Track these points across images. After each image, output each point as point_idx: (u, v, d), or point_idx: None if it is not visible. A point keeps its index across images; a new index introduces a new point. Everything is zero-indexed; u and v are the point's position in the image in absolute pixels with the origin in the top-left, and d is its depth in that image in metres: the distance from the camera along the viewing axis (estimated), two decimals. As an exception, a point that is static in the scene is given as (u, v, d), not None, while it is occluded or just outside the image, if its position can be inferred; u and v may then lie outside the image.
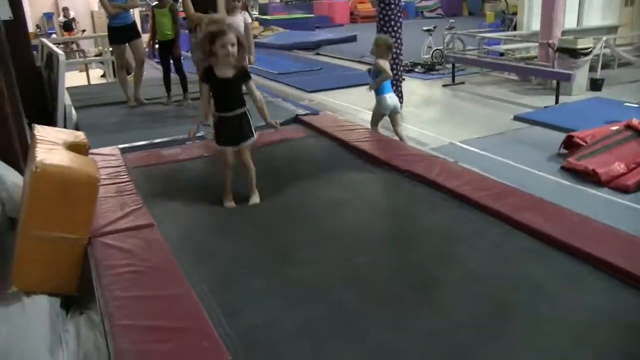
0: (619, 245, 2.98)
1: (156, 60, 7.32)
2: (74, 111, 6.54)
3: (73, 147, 3.77)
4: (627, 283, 2.71)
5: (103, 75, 11.57)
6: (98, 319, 2.85)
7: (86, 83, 10.36)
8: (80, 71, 12.00)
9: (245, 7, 7.75)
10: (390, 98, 5.85)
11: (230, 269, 3.16)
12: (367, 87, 5.98)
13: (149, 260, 3.09)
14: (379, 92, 5.83)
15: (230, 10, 6.20)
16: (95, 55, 13.39)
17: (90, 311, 3.09)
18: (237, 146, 4.06)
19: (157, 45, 7.27)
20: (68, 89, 6.95)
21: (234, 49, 3.73)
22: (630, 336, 2.43)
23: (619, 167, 5.05)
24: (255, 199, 4.15)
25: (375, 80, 5.75)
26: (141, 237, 3.36)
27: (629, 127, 5.63)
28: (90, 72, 11.48)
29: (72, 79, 10.51)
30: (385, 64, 5.70)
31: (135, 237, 3.36)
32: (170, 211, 4.01)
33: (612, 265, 2.80)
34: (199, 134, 5.80)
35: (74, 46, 14.92)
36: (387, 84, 5.84)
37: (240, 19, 6.27)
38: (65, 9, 17.16)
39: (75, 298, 3.29)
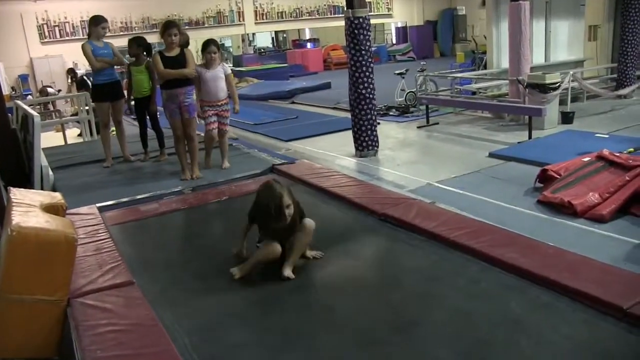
0: (594, 275, 3.03)
1: (132, 116, 7.33)
2: (50, 172, 6.52)
3: (50, 208, 3.77)
4: (604, 312, 2.74)
5: (80, 135, 11.58)
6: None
7: (63, 143, 10.35)
8: (57, 131, 11.99)
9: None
10: None
11: (211, 322, 3.15)
12: None
13: (130, 318, 3.07)
14: None
15: (209, 64, 6.28)
16: (72, 115, 13.42)
17: (72, 374, 3.04)
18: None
19: (132, 102, 7.31)
20: (45, 149, 6.95)
21: (290, 210, 3.51)
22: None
23: (594, 197, 5.13)
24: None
25: None
26: (121, 295, 3.35)
27: (600, 157, 5.74)
28: (67, 131, 11.49)
29: (49, 139, 10.52)
30: None
31: (115, 296, 3.35)
32: (150, 267, 3.99)
33: (589, 296, 2.84)
34: (176, 189, 5.85)
35: (50, 107, 14.94)
36: None
37: (220, 71, 6.39)
38: (44, 88, 17.27)
39: (56, 361, 3.24)
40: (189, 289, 3.63)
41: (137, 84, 6.95)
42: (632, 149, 6.46)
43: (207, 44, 6.33)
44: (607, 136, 7.67)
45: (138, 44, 6.94)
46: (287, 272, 3.53)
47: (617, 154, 5.67)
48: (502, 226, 4.07)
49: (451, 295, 3.18)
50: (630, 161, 5.34)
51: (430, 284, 3.33)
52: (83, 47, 6.82)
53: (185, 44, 6.30)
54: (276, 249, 3.58)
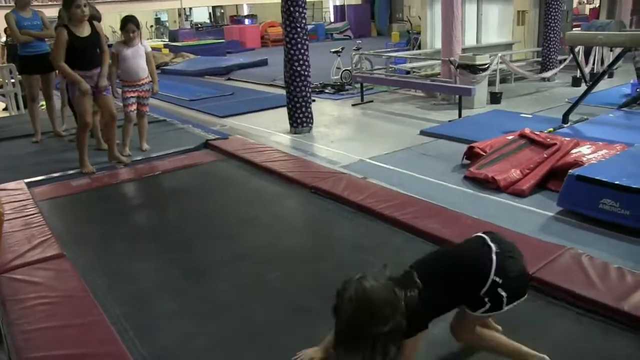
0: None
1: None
2: (-26, 147, 6.35)
3: (-25, 183, 3.71)
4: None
5: (5, 109, 11.17)
6: (6, 358, 2.78)
7: (-13, 117, 9.98)
8: (-20, 105, 11.54)
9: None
10: None
11: (143, 292, 3.20)
12: None
13: (60, 291, 3.08)
14: None
15: (128, 40, 5.87)
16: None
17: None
18: None
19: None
20: (-32, 124, 6.73)
21: None
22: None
23: (515, 173, 5.37)
24: None
25: None
26: (51, 269, 3.35)
27: (522, 136, 6.00)
28: (-9, 105, 11.07)
29: (-27, 113, 10.14)
30: None
31: (45, 269, 3.34)
32: (81, 240, 3.99)
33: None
34: (108, 164, 5.75)
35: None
36: None
37: (141, 48, 6.02)
38: None
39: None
40: (121, 261, 3.66)
41: None
42: (551, 129, 6.79)
43: (126, 22, 5.86)
44: (530, 116, 8.00)
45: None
46: None
47: (538, 133, 5.95)
48: (430, 200, 4.24)
49: (377, 264, 3.31)
50: (549, 140, 5.62)
51: (358, 254, 3.47)
52: (6, 17, 6.45)
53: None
54: None
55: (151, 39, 28.44)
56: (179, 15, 27.63)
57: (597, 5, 16.47)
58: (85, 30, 5.32)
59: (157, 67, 16.65)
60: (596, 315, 2.68)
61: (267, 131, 8.09)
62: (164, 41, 24.58)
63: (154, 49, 19.39)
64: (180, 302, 3.07)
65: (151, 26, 30.98)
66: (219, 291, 3.17)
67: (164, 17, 32.82)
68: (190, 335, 2.75)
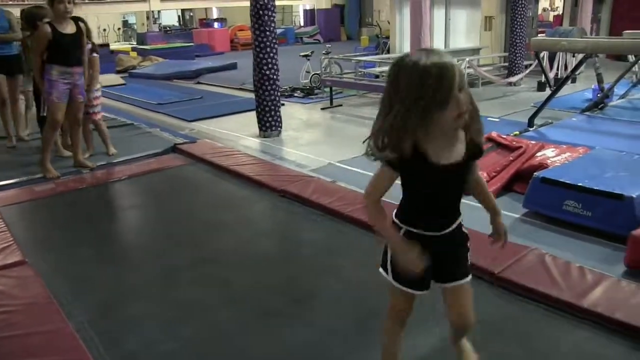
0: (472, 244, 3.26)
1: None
2: None
3: None
4: (477, 277, 2.97)
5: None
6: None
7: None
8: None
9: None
10: None
11: (109, 298, 3.16)
12: None
13: (21, 298, 3.02)
14: None
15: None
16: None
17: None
18: (444, 285, 2.18)
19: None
20: None
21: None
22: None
23: (482, 176, 5.46)
24: None
25: None
26: (12, 276, 3.29)
27: (489, 139, 6.08)
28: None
29: None
30: None
31: (6, 276, 3.28)
32: (45, 246, 3.92)
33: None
34: (74, 169, 5.65)
35: None
36: None
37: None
38: None
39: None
40: (86, 267, 3.61)
41: None
42: (517, 132, 6.90)
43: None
44: (497, 120, 8.11)
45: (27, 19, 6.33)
46: None
47: (504, 136, 6.03)
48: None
49: (346, 266, 3.34)
50: (514, 143, 5.71)
51: (327, 257, 3.49)
52: None
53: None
54: (407, 310, 2.28)
55: (119, 41, 28.12)
56: (147, 18, 27.35)
57: (561, 13, 16.89)
58: (68, 28, 5.23)
59: (125, 70, 16.67)
60: (558, 311, 2.75)
61: (236, 135, 8.07)
62: (132, 44, 24.31)
63: (122, 52, 19.28)
64: (147, 308, 3.04)
65: (119, 29, 30.65)
66: (186, 296, 3.15)
67: (132, 20, 32.48)
68: (157, 340, 2.73)
